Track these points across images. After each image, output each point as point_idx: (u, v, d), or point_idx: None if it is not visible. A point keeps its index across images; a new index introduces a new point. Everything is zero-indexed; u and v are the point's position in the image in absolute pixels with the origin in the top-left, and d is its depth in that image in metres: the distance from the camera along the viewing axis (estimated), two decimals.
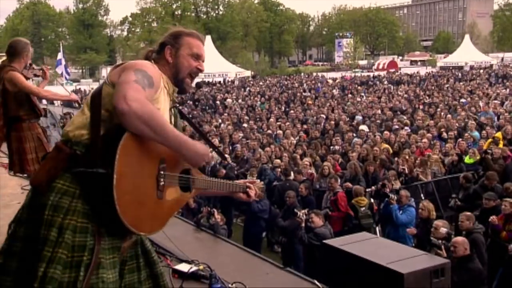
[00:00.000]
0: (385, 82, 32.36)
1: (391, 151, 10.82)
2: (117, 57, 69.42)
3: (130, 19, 69.47)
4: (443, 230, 5.44)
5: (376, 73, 42.36)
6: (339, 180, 8.02)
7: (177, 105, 2.20)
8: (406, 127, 13.53)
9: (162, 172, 1.88)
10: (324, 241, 4.14)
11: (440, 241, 5.27)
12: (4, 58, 4.37)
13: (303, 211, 6.52)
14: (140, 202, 1.81)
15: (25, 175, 4.80)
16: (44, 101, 17.76)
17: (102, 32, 69.13)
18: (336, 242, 3.85)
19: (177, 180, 2.00)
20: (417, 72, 39.03)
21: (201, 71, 2.15)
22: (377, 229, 7.89)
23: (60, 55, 22.37)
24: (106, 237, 1.83)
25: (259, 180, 2.85)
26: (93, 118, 1.85)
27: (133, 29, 69.38)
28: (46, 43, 62.85)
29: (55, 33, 65.73)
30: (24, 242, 1.84)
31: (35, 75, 4.45)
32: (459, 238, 5.25)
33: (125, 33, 71.27)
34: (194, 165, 1.97)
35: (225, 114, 19.28)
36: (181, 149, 1.83)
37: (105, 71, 48.80)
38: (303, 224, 6.33)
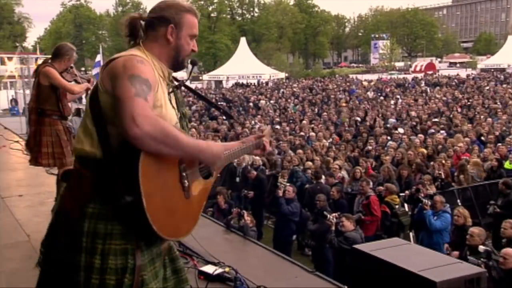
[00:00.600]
0: (422, 84, 31.62)
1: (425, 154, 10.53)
2: None
3: None
4: (482, 248, 5.21)
5: (413, 75, 41.48)
6: (371, 184, 7.85)
7: (175, 83, 2.03)
8: (442, 131, 13.16)
9: (184, 174, 1.84)
10: (354, 246, 4.04)
11: (479, 261, 5.06)
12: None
13: (333, 214, 6.42)
14: (172, 210, 1.79)
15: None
16: (84, 101, 18.29)
17: None
18: (366, 247, 3.75)
19: (198, 172, 1.96)
20: (457, 74, 37.92)
21: (194, 52, 1.96)
22: (411, 234, 7.69)
23: (99, 57, 22.88)
24: (144, 251, 1.81)
25: (265, 125, 2.77)
26: (100, 135, 1.75)
27: None
28: (87, 45, 64.77)
29: (96, 36, 67.71)
30: (72, 269, 1.79)
31: (75, 81, 4.57)
32: (511, 250, 5.03)
33: None
34: (212, 165, 2.00)
35: (258, 116, 19.30)
36: (199, 155, 1.81)
37: None
38: (333, 228, 6.24)
